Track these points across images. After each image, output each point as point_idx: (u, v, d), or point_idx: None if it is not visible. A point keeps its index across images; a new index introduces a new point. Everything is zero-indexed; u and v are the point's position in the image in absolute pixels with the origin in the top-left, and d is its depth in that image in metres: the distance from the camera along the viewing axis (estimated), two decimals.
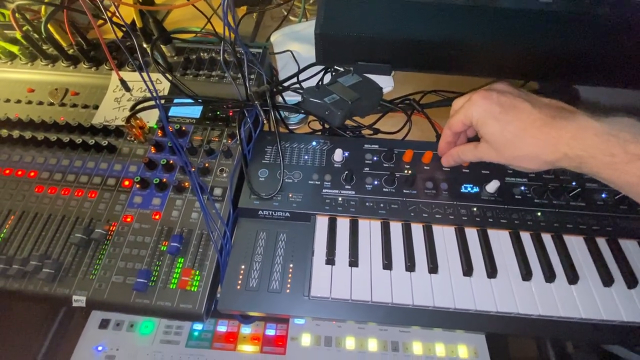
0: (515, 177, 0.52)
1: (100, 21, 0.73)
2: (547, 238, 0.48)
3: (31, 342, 0.61)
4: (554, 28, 0.39)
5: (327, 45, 0.42)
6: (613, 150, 0.34)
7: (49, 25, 0.61)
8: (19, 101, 0.61)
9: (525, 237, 0.48)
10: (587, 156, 0.36)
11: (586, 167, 0.37)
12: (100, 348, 0.60)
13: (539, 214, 0.49)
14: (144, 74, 0.48)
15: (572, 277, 0.44)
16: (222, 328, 0.62)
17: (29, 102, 0.60)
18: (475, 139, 0.46)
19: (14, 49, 0.63)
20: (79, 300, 0.44)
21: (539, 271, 0.45)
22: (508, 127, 0.40)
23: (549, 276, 0.44)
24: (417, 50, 0.41)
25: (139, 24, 0.55)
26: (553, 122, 0.38)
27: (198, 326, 0.62)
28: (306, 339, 0.60)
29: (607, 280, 0.44)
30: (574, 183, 0.51)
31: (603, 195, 0.50)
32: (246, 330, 0.61)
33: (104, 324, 0.62)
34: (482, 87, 0.47)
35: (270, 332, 0.61)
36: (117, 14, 0.49)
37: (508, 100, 0.40)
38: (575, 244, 0.47)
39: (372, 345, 0.59)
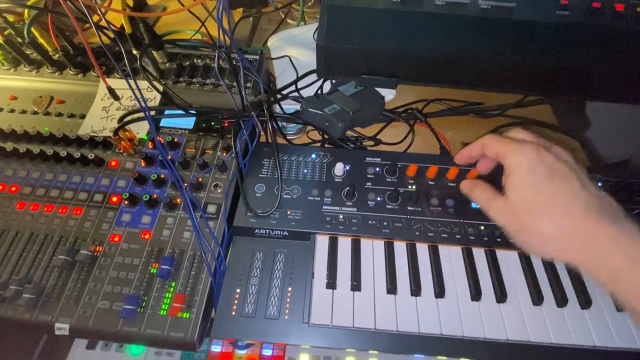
0: None
1: (87, 25, 0.70)
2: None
3: None
4: (571, 41, 0.36)
5: (329, 57, 0.39)
6: None
7: (32, 29, 0.58)
8: (0, 109, 0.57)
9: (536, 258, 0.46)
10: (627, 271, 0.30)
11: (616, 287, 0.32)
12: None
13: None
14: (132, 83, 0.45)
15: (585, 301, 0.42)
16: (216, 348, 0.59)
17: (12, 111, 0.57)
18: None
19: None
20: (62, 328, 0.41)
21: (550, 295, 0.43)
22: (544, 193, 0.34)
23: (561, 300, 0.42)
24: (426, 64, 0.38)
25: (127, 30, 0.52)
26: (600, 217, 0.32)
27: None
28: None
29: (619, 305, 0.42)
30: None
31: None
32: (241, 350, 0.58)
33: (91, 345, 0.58)
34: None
35: (267, 352, 0.58)
36: (103, 19, 0.46)
37: (561, 170, 0.34)
38: None
39: None
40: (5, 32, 0.58)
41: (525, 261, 0.45)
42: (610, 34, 0.35)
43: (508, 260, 0.45)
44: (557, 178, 0.34)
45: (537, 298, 0.42)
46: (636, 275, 0.30)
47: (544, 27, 0.35)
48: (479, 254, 0.46)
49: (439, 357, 0.55)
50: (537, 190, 0.34)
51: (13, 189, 0.49)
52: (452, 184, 0.50)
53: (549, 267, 0.45)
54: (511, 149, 0.36)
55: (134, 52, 0.55)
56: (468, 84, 0.41)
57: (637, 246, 0.31)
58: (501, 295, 0.42)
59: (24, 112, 0.57)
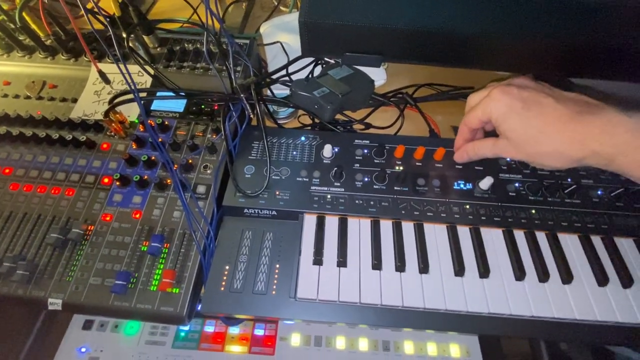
0: (509, 173, 0.50)
1: (81, 11, 0.70)
2: (541, 236, 0.46)
3: (12, 344, 0.59)
4: (570, 15, 0.37)
5: (313, 34, 0.40)
6: None
7: (25, 15, 0.58)
8: None
9: (519, 235, 0.46)
10: (618, 153, 0.34)
11: (616, 165, 0.35)
12: (83, 349, 0.58)
13: (534, 211, 0.47)
14: (122, 66, 0.45)
15: (566, 276, 0.43)
16: (209, 328, 0.60)
17: (5, 96, 0.58)
18: (492, 133, 0.44)
19: None
20: (55, 303, 0.42)
21: (533, 271, 0.44)
22: (531, 123, 0.38)
23: (543, 276, 0.43)
24: (410, 40, 0.39)
25: (117, 13, 0.53)
26: (579, 117, 0.36)
27: (185, 327, 0.60)
28: (295, 339, 0.59)
29: (602, 279, 0.43)
30: (569, 180, 0.50)
31: (599, 192, 0.49)
32: (234, 330, 0.60)
33: (87, 325, 0.60)
34: (494, 80, 0.46)
35: (259, 332, 0.60)
36: (95, 5, 0.46)
37: (530, 95, 0.38)
38: (570, 243, 0.46)
39: (363, 344, 0.58)
40: None
41: (509, 238, 0.46)
42: (621, 10, 0.35)
43: (492, 237, 0.46)
44: (531, 105, 0.38)
45: (519, 274, 0.43)
46: (629, 151, 0.34)
47: None
48: (463, 231, 0.46)
49: (427, 332, 0.56)
50: (524, 124, 0.38)
51: (7, 171, 0.50)
52: (439, 165, 0.51)
53: (533, 244, 0.45)
54: (485, 106, 0.41)
55: (124, 36, 0.56)
56: (454, 61, 0.41)
57: (619, 130, 0.34)
58: (484, 271, 0.43)
59: (17, 96, 0.57)
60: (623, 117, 0.34)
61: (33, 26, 0.60)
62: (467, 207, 0.48)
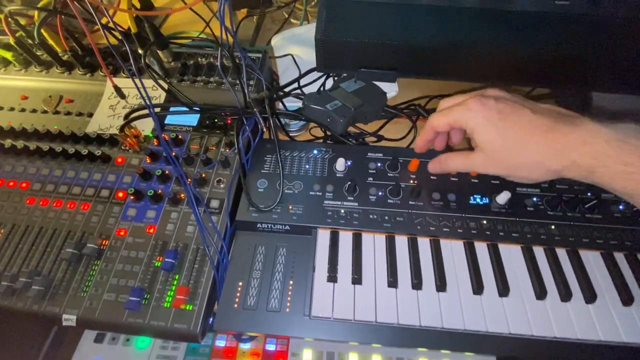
0: (527, 187, 0.49)
1: (97, 26, 0.71)
2: (561, 253, 0.45)
3: (24, 356, 0.59)
4: (571, 31, 0.36)
5: (328, 51, 0.40)
6: (627, 158, 0.32)
7: (43, 31, 0.60)
8: (12, 109, 0.59)
9: (539, 252, 0.45)
10: (599, 165, 0.33)
11: (597, 176, 0.34)
12: None
13: (553, 227, 0.46)
14: (137, 81, 0.46)
15: (590, 295, 0.41)
16: (220, 343, 0.59)
17: (23, 110, 0.59)
18: (449, 149, 0.44)
19: (8, 55, 0.62)
20: (69, 319, 0.42)
21: (554, 289, 0.42)
22: (508, 133, 0.37)
23: (565, 295, 0.42)
24: (424, 56, 0.39)
25: (133, 29, 0.53)
26: (558, 127, 0.35)
27: None
28: (307, 355, 0.58)
29: (626, 299, 0.41)
30: (589, 194, 0.48)
31: (620, 207, 0.47)
32: (245, 345, 0.59)
33: (99, 338, 0.60)
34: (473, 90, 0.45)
35: (271, 347, 0.59)
36: (111, 20, 0.47)
37: (507, 107, 0.38)
38: (592, 260, 0.45)
39: None
40: (17, 34, 0.60)
41: (529, 255, 0.45)
42: (612, 23, 0.35)
43: (511, 254, 0.45)
44: (509, 116, 0.37)
45: (540, 292, 0.42)
46: (610, 162, 0.33)
47: (542, 17, 0.35)
48: (481, 247, 0.45)
49: (442, 351, 0.54)
50: (501, 135, 0.37)
51: (23, 185, 0.51)
52: (453, 179, 0.50)
53: (553, 261, 0.44)
54: (460, 113, 0.40)
55: (140, 51, 0.57)
56: (467, 77, 0.41)
57: (599, 140, 0.33)
58: (503, 289, 0.42)
59: (34, 111, 0.58)
60: (601, 127, 0.34)
61: (50, 42, 0.61)
62: (485, 222, 0.47)
